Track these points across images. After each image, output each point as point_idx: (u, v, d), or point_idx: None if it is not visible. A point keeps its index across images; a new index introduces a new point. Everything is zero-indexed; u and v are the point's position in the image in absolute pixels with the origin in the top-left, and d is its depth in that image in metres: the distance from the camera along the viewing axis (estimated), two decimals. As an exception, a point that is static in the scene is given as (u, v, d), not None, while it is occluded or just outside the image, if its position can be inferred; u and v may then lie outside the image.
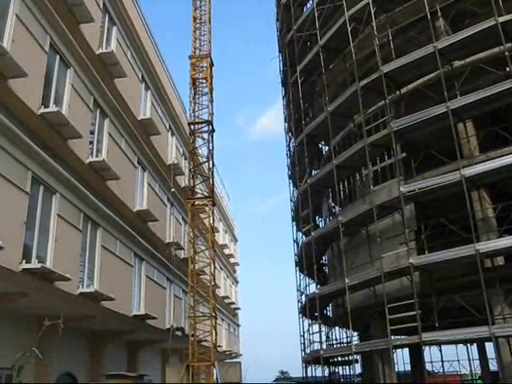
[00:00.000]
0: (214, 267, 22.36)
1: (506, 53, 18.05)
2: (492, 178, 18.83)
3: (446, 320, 19.08)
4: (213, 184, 23.31)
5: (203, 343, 21.69)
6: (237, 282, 51.10)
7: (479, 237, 18.52)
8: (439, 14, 21.62)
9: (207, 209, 22.49)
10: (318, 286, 26.43)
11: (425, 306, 18.80)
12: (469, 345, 31.47)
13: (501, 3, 18.85)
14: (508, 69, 17.94)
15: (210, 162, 23.09)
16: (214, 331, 20.82)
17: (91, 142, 17.34)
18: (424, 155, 20.49)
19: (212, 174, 23.17)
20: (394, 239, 20.54)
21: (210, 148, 22.98)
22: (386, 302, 19.12)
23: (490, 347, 26.54)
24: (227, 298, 42.78)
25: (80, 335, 17.42)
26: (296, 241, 30.63)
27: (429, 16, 20.47)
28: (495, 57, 19.42)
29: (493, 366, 27.75)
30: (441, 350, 27.70)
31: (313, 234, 25.42)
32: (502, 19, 18.53)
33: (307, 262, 26.45)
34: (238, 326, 50.96)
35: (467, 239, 17.72)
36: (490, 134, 19.61)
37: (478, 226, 19.09)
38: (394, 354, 21.40)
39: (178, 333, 24.18)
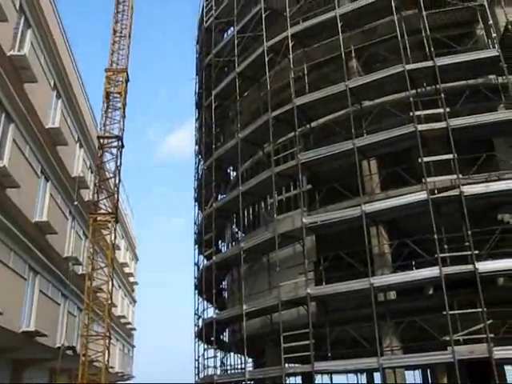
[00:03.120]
0: (112, 285, 21.89)
1: (411, 98, 19.15)
2: (390, 216, 19.68)
3: (339, 350, 19.57)
4: (117, 200, 22.97)
5: (95, 364, 21.03)
6: (135, 301, 50.07)
7: (375, 271, 19.25)
8: (353, 54, 22.63)
9: (110, 225, 22.09)
10: (216, 311, 26.40)
11: (319, 336, 19.20)
12: (359, 374, 32.31)
13: (409, 52, 19.97)
14: (412, 113, 18.95)
15: (117, 177, 22.78)
16: (106, 351, 20.28)
17: (-7, 147, 16.61)
18: (328, 189, 21.16)
19: (117, 190, 22.84)
20: (293, 268, 20.94)
21: (118, 164, 22.70)
22: (282, 331, 19.37)
23: (378, 377, 27.38)
24: (123, 317, 41.76)
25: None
26: (197, 264, 30.48)
27: (343, 55, 21.28)
28: (401, 101, 20.48)
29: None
30: (331, 379, 28.15)
31: (214, 258, 25.40)
32: (409, 67, 19.67)
33: (207, 286, 26.34)
34: (133, 346, 49.79)
35: (364, 273, 18.37)
36: (391, 173, 20.56)
37: (375, 260, 19.86)
38: (287, 382, 21.63)
39: (69, 352, 23.28)
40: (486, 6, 20.51)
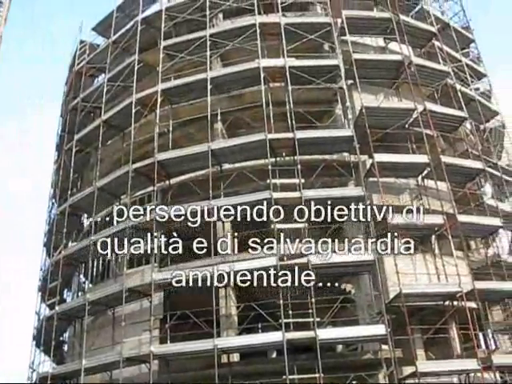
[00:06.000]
0: None
1: (270, 166, 19.91)
2: (242, 278, 19.86)
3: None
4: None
5: None
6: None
7: (220, 332, 19.23)
8: (219, 117, 23.22)
9: None
10: (53, 365, 24.89)
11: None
12: None
13: (272, 122, 20.86)
14: (269, 181, 19.63)
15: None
16: None
17: None
18: (182, 246, 21.05)
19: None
20: (139, 325, 20.38)
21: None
22: (122, 389, 18.66)
23: None
24: None
25: None
26: (38, 313, 28.71)
27: (209, 117, 21.77)
28: (260, 167, 21.15)
29: None
30: None
31: (57, 308, 24.11)
32: (270, 136, 20.53)
33: (46, 338, 24.84)
34: None
35: (209, 333, 18.28)
36: (245, 236, 20.89)
37: (221, 321, 19.85)
38: None
39: None
40: (345, 89, 22.21)
